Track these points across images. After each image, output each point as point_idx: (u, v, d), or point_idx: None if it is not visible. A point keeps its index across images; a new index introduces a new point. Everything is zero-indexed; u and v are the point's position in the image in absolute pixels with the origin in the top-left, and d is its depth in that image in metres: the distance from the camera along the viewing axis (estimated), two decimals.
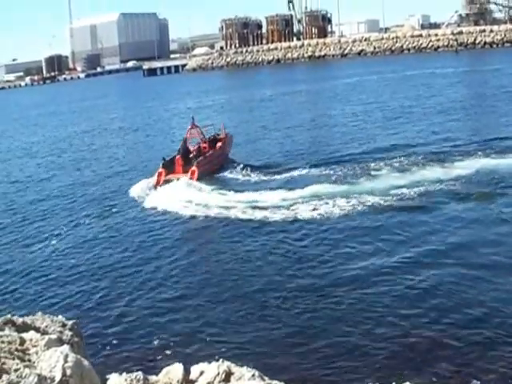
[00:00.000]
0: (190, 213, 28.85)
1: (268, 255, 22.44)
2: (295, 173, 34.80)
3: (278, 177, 34.55)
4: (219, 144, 39.67)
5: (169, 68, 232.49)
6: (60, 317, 8.61)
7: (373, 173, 32.64)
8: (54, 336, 7.68)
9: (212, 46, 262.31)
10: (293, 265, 21.17)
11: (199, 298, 19.15)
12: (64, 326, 8.33)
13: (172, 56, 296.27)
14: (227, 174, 36.49)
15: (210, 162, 37.18)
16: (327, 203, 27.49)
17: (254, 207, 28.17)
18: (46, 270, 23.39)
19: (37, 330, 8.04)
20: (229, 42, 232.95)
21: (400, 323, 16.24)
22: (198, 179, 34.27)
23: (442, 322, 16.09)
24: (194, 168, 34.86)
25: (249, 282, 20.02)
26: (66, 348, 6.80)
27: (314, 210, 26.81)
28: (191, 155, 36.96)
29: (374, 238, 23.00)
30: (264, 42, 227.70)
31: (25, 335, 7.54)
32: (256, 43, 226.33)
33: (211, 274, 21.22)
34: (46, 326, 8.27)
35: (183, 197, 31.43)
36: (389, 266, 20.09)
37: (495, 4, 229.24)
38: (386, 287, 18.44)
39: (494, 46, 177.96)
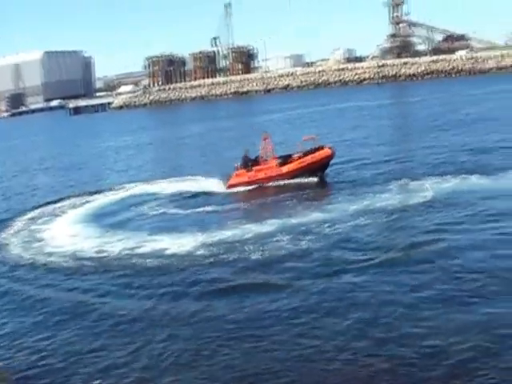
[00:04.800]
0: None
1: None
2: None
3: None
4: None
5: (94, 106, 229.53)
6: None
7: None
8: None
9: (137, 84, 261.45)
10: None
11: None
12: None
13: (98, 94, 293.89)
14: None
15: None
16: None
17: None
18: None
19: None
20: (154, 80, 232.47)
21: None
22: None
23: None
24: None
25: None
26: None
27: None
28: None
29: None
30: (189, 78, 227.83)
31: None
32: (181, 80, 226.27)
33: None
34: None
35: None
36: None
37: (417, 37, 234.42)
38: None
39: (416, 78, 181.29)
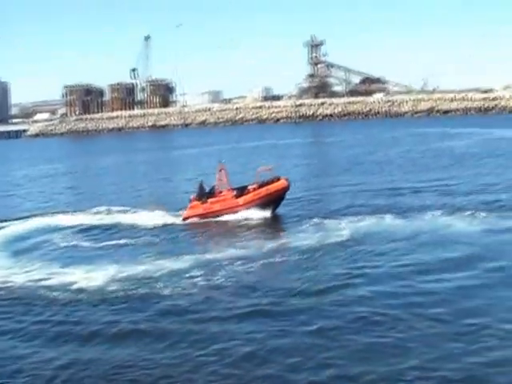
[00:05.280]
0: None
1: None
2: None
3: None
4: None
5: (9, 133, 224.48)
6: None
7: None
8: None
9: (54, 112, 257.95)
10: None
11: None
12: None
13: (14, 121, 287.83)
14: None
15: None
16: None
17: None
18: None
19: None
20: (71, 109, 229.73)
21: None
22: None
23: None
24: None
25: None
26: None
27: None
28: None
29: None
30: (106, 109, 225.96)
31: None
32: (98, 111, 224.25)
33: None
34: None
35: None
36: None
37: (334, 78, 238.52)
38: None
39: (333, 118, 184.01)
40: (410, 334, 19.38)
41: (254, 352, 18.65)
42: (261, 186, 39.02)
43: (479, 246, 29.21)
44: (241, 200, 38.55)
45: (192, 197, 39.62)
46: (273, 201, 39.04)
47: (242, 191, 39.20)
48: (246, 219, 37.76)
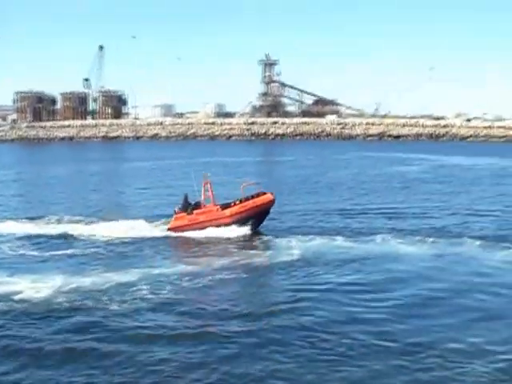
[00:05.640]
0: None
1: None
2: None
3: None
4: None
5: None
6: None
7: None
8: None
9: (4, 118, 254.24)
10: None
11: None
12: None
13: None
14: None
15: None
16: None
17: None
18: None
19: None
20: (22, 116, 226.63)
21: None
22: None
23: None
24: None
25: None
26: None
27: None
28: None
29: None
30: (58, 118, 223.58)
31: None
32: (50, 119, 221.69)
33: None
34: None
35: None
36: None
37: (287, 98, 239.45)
38: None
39: (286, 137, 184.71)
40: (354, 349, 19.65)
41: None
42: (247, 199, 39.00)
43: (427, 269, 29.98)
44: (227, 211, 38.47)
45: (176, 209, 39.43)
46: (258, 213, 39.04)
47: (227, 205, 39.20)
48: (217, 237, 37.37)
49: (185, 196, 39.53)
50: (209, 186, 39.18)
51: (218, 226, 37.90)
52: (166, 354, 19.49)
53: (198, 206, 39.09)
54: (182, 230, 38.19)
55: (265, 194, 39.45)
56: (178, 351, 19.72)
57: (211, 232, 37.59)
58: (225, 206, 38.95)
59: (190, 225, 38.29)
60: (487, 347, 20.16)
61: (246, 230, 38.04)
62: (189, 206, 38.87)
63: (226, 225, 37.91)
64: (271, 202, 39.42)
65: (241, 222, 38.18)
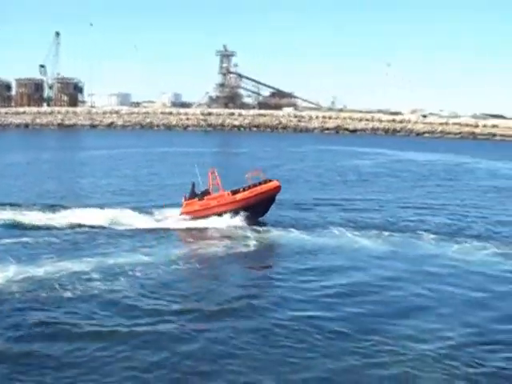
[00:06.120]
0: None
1: None
2: None
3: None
4: None
5: None
6: None
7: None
8: None
9: None
10: None
11: None
12: None
13: None
14: None
15: None
16: None
17: None
18: None
19: None
20: None
21: None
22: None
23: None
24: None
25: None
26: None
27: None
28: None
29: None
30: (13, 104, 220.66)
31: None
32: (5, 105, 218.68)
33: None
34: None
35: None
36: None
37: (244, 89, 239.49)
38: None
39: (242, 129, 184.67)
40: (309, 346, 19.62)
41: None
42: (254, 185, 39.63)
43: (382, 261, 30.48)
44: (238, 196, 39.00)
45: (184, 195, 39.83)
46: (266, 199, 39.59)
47: (237, 191, 39.71)
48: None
49: (192, 184, 39.89)
50: (215, 174, 39.73)
51: (230, 210, 38.44)
52: (114, 352, 19.07)
53: (206, 193, 39.58)
54: (194, 215, 38.68)
55: (271, 181, 40.08)
56: (124, 349, 19.31)
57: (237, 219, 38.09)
58: (235, 192, 39.50)
59: (201, 210, 38.84)
60: (434, 334, 20.96)
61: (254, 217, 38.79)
62: (197, 194, 39.40)
63: (237, 209, 38.42)
64: (278, 189, 40.00)
65: (250, 207, 38.66)
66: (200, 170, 39.75)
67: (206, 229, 36.88)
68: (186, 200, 39.57)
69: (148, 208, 41.80)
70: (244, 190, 39.47)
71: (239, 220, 37.74)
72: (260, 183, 39.84)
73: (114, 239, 33.88)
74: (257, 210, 39.08)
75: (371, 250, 32.59)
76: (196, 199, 39.16)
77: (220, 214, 38.31)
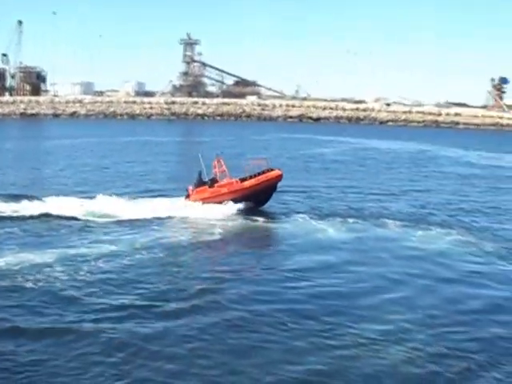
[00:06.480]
0: None
1: None
2: None
3: None
4: None
5: None
6: None
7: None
8: None
9: None
10: None
11: None
12: None
13: None
14: None
15: None
16: None
17: None
18: None
19: None
20: None
21: None
22: None
23: None
24: None
25: None
26: None
27: None
28: None
29: None
30: None
31: None
32: None
33: None
34: None
35: None
36: None
37: (208, 78, 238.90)
38: None
39: (206, 118, 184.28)
40: (273, 332, 19.72)
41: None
42: (259, 174, 40.41)
43: (346, 249, 30.69)
44: (247, 183, 39.63)
45: (189, 187, 40.20)
46: (270, 187, 40.53)
47: (244, 179, 40.31)
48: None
49: (199, 173, 40.33)
50: (222, 162, 40.29)
51: (239, 197, 39.03)
52: (78, 344, 18.69)
53: (214, 181, 40.21)
54: (204, 203, 38.98)
55: (273, 169, 40.89)
56: (91, 342, 18.86)
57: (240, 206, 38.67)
58: (243, 180, 40.09)
59: (211, 197, 39.26)
60: (389, 316, 21.44)
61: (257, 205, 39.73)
62: (205, 182, 39.99)
63: (245, 196, 39.07)
64: (280, 177, 40.74)
65: (256, 195, 39.50)
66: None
67: (174, 217, 36.60)
68: (193, 188, 40.00)
69: (112, 196, 41.06)
70: (251, 177, 40.15)
71: (243, 207, 38.48)
72: (264, 172, 40.53)
73: (78, 229, 33.49)
74: (261, 197, 40.08)
75: (335, 237, 32.81)
76: (206, 187, 39.67)
77: (231, 201, 38.85)
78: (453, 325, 20.95)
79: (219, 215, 36.93)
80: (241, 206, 38.46)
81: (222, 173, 40.40)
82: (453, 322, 21.25)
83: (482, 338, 19.94)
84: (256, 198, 39.60)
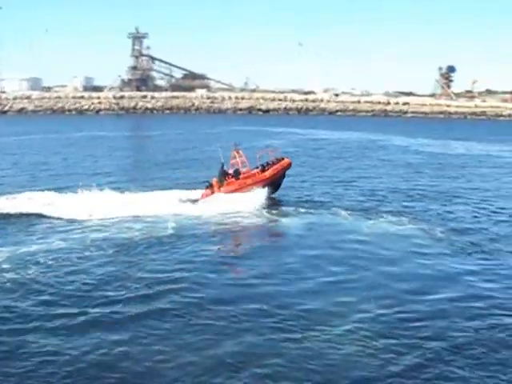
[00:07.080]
0: None
1: None
2: None
3: None
4: None
5: None
6: None
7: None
8: None
9: None
10: None
11: None
12: None
13: None
14: None
15: None
16: None
17: None
18: None
19: None
20: None
21: None
22: None
23: None
24: None
25: None
26: None
27: None
28: None
29: None
30: None
31: None
32: None
33: None
34: None
35: None
36: None
37: (157, 72, 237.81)
38: None
39: (155, 111, 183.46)
40: (227, 324, 19.81)
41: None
42: (273, 163, 42.51)
43: (298, 238, 31.26)
44: (267, 173, 41.29)
45: (214, 179, 40.82)
46: (282, 176, 42.79)
47: (263, 169, 41.82)
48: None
49: (222, 165, 41.08)
50: (241, 153, 41.92)
51: (262, 187, 39.99)
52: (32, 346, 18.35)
53: (238, 172, 41.09)
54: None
55: (283, 158, 43.30)
56: (47, 342, 18.66)
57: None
58: (262, 169, 41.59)
59: (239, 188, 40.25)
60: (349, 307, 21.50)
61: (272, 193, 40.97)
62: (228, 174, 40.90)
63: (265, 185, 40.23)
64: (290, 165, 43.31)
65: (273, 183, 41.26)
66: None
67: (127, 214, 35.82)
68: (217, 179, 40.68)
69: (62, 192, 41.07)
70: (267, 166, 41.89)
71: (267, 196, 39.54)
72: (278, 160, 42.79)
73: (27, 226, 33.06)
74: (276, 185, 42.03)
75: (287, 227, 33.12)
76: (233, 179, 40.49)
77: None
78: (409, 313, 21.15)
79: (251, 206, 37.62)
80: (266, 194, 39.41)
81: (243, 164, 41.60)
82: (409, 310, 21.40)
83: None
84: (273, 186, 41.21)
